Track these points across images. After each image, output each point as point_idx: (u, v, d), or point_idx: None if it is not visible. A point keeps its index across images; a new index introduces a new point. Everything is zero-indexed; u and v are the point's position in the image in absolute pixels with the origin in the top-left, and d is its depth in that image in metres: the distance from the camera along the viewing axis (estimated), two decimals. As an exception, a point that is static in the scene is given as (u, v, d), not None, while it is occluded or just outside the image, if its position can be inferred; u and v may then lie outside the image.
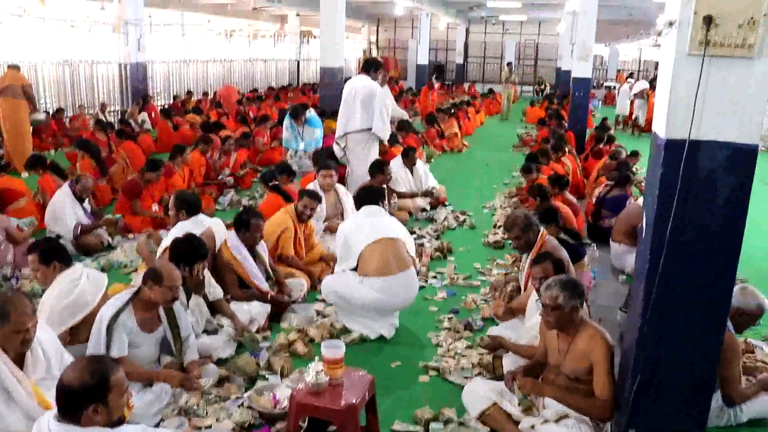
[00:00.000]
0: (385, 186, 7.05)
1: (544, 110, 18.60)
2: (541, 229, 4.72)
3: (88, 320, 3.81)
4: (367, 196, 5.07)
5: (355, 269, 4.73)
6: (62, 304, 3.82)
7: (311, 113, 9.88)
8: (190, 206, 5.16)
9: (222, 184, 8.93)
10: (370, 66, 7.65)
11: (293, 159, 9.60)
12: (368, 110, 7.35)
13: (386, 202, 6.45)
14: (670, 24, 2.75)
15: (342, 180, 7.58)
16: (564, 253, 4.55)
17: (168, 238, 4.99)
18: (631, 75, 22.96)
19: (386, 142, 8.00)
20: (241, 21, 27.24)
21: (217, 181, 8.90)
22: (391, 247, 4.70)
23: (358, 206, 5.10)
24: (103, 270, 5.74)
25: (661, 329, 3.07)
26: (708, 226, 2.92)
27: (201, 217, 5.13)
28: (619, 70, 29.08)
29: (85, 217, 6.48)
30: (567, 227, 5.56)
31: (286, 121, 9.72)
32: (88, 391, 2.38)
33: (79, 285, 3.91)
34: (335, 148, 7.66)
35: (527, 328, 4.09)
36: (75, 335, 3.87)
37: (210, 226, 5.11)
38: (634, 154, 9.74)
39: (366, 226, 4.77)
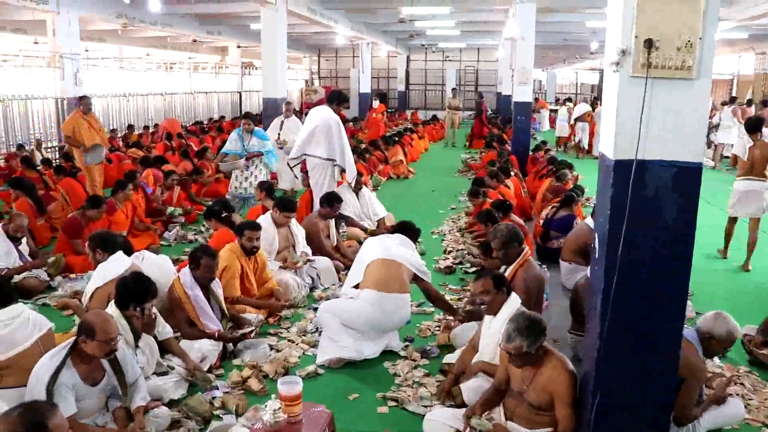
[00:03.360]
0: (332, 219, 7.12)
1: (486, 135, 18.91)
2: (526, 248, 4.83)
3: (18, 364, 3.65)
4: (406, 229, 5.45)
5: (355, 287, 5.01)
6: None
7: (259, 129, 9.60)
8: (104, 243, 4.95)
9: (169, 219, 8.73)
10: (334, 98, 7.86)
11: (238, 188, 9.34)
12: (328, 140, 7.61)
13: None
14: (623, 52, 2.81)
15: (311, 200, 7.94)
16: (539, 275, 4.73)
17: (91, 282, 4.79)
18: (568, 99, 23.55)
19: (346, 170, 8.02)
20: (181, 54, 27.01)
21: (163, 218, 8.70)
22: (397, 269, 4.91)
23: (395, 231, 5.47)
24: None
25: (618, 348, 3.09)
26: (659, 243, 2.97)
27: (120, 255, 4.90)
28: (536, 99, 29.74)
29: (19, 259, 6.21)
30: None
31: (234, 133, 9.41)
32: None
33: (11, 325, 3.72)
34: (291, 162, 8.05)
35: (484, 350, 4.09)
36: (4, 377, 3.67)
37: (134, 263, 4.94)
38: (570, 166, 10.15)
39: (384, 246, 5.06)
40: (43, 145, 14.17)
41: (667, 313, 3.05)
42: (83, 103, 9.67)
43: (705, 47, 2.77)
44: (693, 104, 2.85)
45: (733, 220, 7.64)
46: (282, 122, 10.60)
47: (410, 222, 5.61)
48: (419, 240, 8.14)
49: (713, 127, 15.82)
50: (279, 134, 10.36)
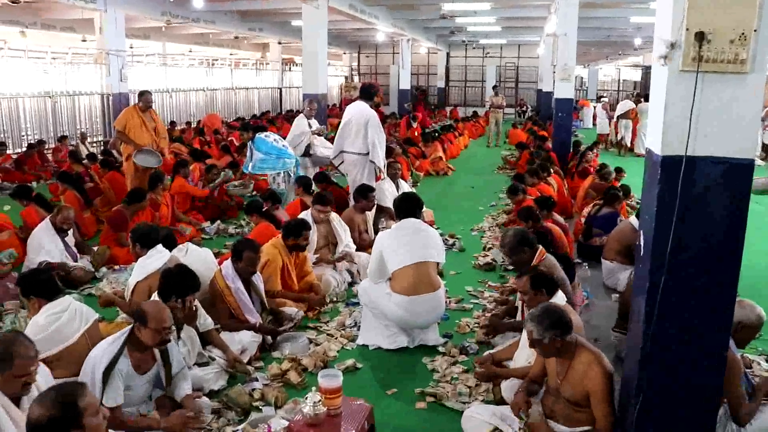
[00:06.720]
0: (369, 212, 7.11)
1: (526, 132, 18.73)
2: (540, 247, 4.74)
3: (66, 356, 3.75)
4: (405, 207, 5.17)
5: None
6: (37, 337, 3.67)
7: (260, 136, 9.45)
8: (142, 238, 5.04)
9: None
10: (366, 93, 7.86)
11: (271, 184, 9.37)
12: (364, 136, 7.66)
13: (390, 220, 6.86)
14: (673, 46, 2.74)
15: (346, 197, 7.97)
16: (560, 272, 4.55)
17: (132, 276, 4.91)
18: (600, 98, 23.16)
19: (381, 168, 7.97)
20: (222, 50, 27.32)
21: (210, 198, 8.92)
22: (423, 269, 4.84)
23: (397, 215, 5.23)
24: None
25: (663, 348, 3.02)
26: (707, 242, 2.88)
27: (160, 248, 4.99)
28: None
29: (65, 250, 6.36)
30: (557, 252, 5.51)
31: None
32: (59, 423, 2.32)
33: (60, 319, 3.81)
34: (335, 162, 8.16)
35: (521, 352, 4.05)
36: (54, 370, 3.74)
37: (174, 255, 5.02)
38: (619, 170, 10.03)
39: (403, 246, 4.86)
40: (88, 140, 14.49)
41: (714, 314, 2.97)
42: (143, 99, 8.74)
43: (760, 40, 2.67)
44: (746, 99, 2.75)
45: None
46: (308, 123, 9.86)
47: (406, 197, 5.37)
48: (458, 237, 8.13)
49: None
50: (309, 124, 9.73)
